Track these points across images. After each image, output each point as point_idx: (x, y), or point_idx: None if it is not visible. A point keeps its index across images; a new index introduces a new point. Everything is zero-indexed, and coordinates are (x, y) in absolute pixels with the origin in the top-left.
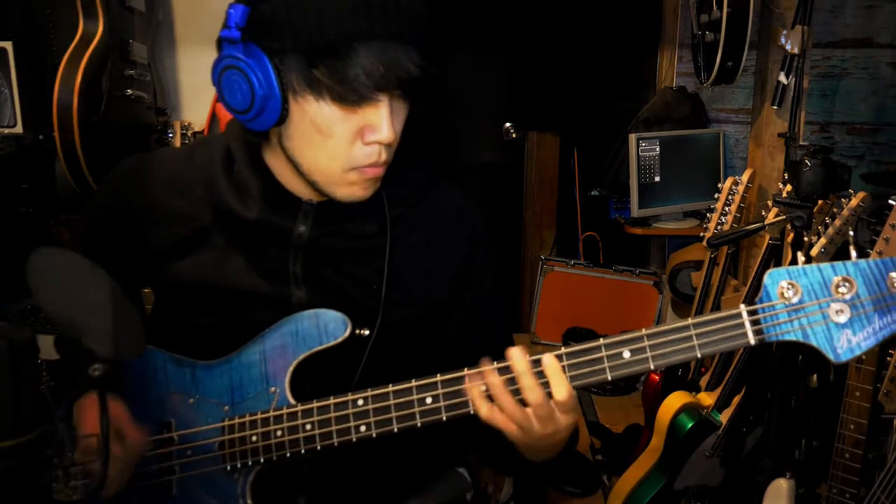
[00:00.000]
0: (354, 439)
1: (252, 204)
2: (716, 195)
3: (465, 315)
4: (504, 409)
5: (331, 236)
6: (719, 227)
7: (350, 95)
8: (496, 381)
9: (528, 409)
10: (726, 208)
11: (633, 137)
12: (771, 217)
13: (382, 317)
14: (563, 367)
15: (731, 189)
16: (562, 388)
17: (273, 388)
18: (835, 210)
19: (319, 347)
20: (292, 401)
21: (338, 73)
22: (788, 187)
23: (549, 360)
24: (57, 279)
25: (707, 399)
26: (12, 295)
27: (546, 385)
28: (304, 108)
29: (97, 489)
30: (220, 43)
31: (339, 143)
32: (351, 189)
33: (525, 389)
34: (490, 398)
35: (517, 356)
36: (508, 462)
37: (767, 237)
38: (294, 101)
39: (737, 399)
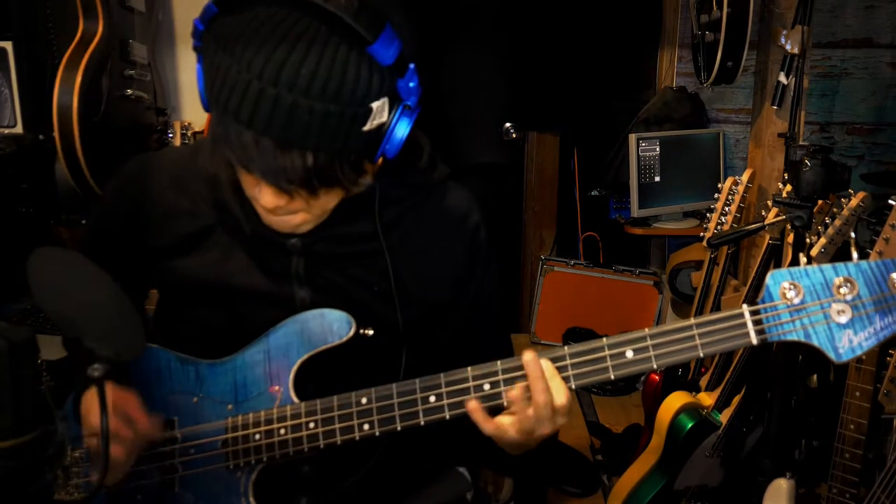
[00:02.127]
0: (358, 437)
1: (250, 210)
2: (716, 195)
3: (464, 315)
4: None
5: (324, 241)
6: (719, 227)
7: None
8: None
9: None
10: (726, 208)
11: (633, 137)
12: (771, 217)
13: (382, 317)
14: (567, 366)
15: (730, 189)
16: (561, 393)
17: (277, 388)
18: (835, 210)
19: (324, 347)
20: (296, 400)
21: (230, 142)
22: (788, 187)
23: (546, 364)
24: (57, 279)
25: (707, 399)
26: (12, 295)
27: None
28: None
29: (98, 488)
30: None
31: (245, 182)
32: (271, 220)
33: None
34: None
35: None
36: (484, 454)
37: (767, 237)
38: None
39: (737, 399)
